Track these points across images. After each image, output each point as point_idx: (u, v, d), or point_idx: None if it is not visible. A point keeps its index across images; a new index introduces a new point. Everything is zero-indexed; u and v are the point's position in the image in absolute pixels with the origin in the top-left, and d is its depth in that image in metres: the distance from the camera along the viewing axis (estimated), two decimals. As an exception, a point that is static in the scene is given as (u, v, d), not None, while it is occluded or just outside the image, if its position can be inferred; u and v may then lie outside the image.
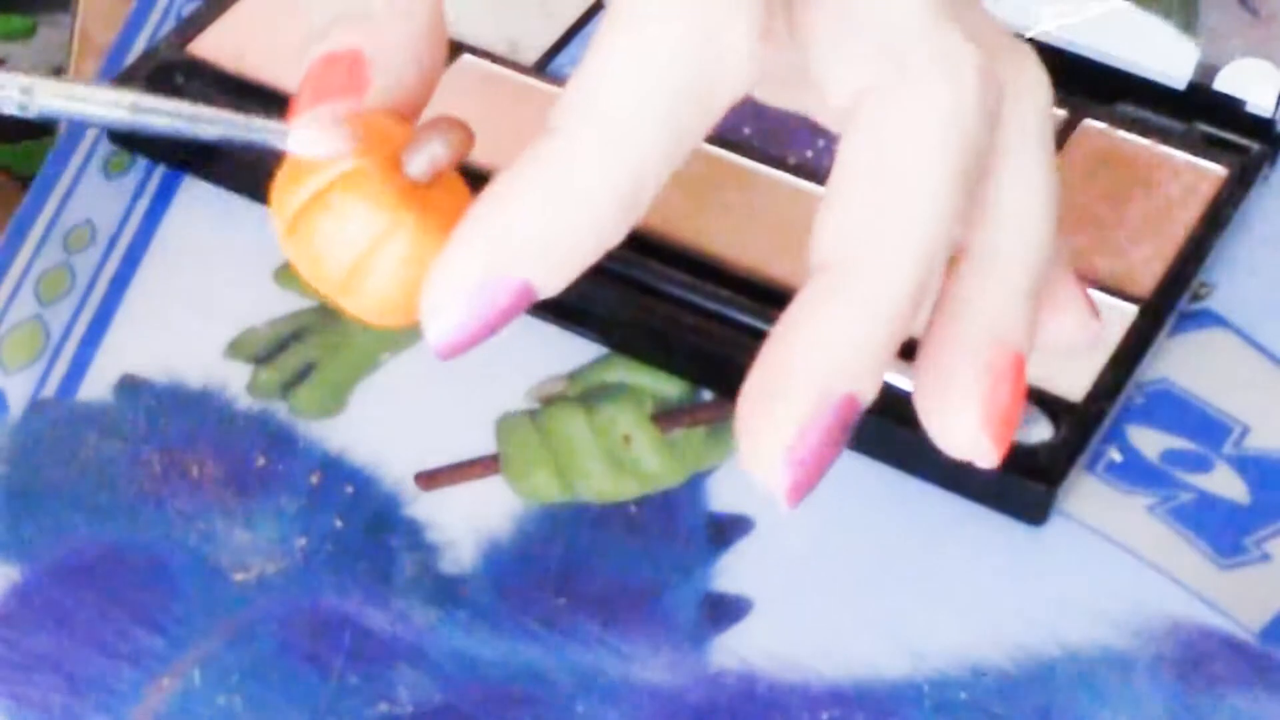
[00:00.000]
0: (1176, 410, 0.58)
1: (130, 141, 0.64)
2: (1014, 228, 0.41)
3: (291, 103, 0.41)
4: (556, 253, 0.37)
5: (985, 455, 0.40)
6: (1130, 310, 0.59)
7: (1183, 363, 0.59)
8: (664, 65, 0.37)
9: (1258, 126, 0.64)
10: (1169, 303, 0.59)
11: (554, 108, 0.38)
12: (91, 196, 0.63)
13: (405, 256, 0.39)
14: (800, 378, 0.38)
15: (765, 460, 0.39)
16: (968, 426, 0.40)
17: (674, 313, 0.58)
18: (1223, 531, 0.55)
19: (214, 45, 0.65)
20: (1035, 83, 0.42)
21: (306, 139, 0.41)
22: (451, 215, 0.39)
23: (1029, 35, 0.65)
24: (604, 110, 0.37)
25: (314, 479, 0.55)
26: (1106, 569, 0.54)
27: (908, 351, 0.57)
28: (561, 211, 0.37)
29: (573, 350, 0.59)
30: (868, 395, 0.38)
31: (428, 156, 0.40)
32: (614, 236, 0.38)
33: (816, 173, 0.62)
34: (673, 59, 0.37)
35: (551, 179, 0.37)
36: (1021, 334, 0.40)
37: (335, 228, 0.39)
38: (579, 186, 0.37)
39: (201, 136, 0.41)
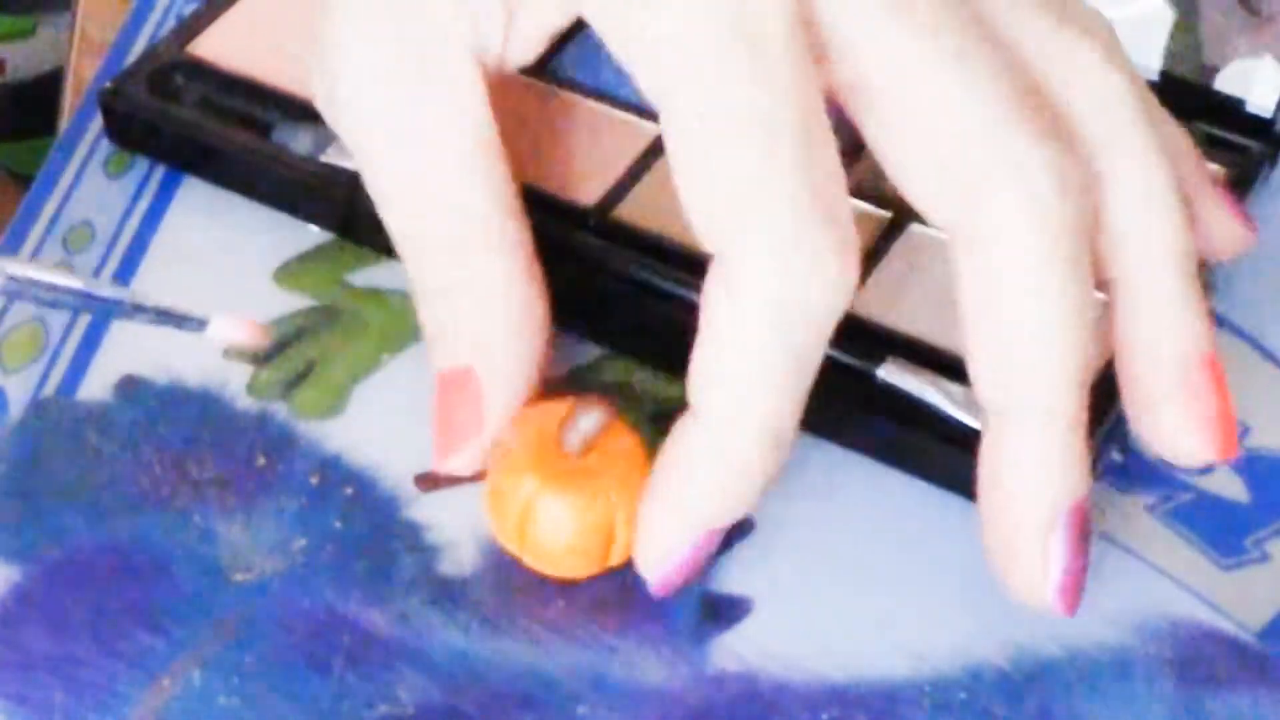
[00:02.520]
0: (1176, 410, 0.58)
1: (131, 142, 0.64)
2: (1145, 251, 0.44)
3: (436, 443, 0.50)
4: (730, 505, 0.46)
5: (1217, 456, 0.46)
6: (1130, 310, 0.59)
7: (1183, 363, 0.59)
8: (773, 325, 0.43)
9: (1258, 126, 0.64)
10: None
11: (689, 384, 0.45)
12: (91, 196, 0.63)
13: (627, 519, 0.48)
14: (1034, 525, 0.44)
15: (1039, 600, 0.46)
16: (1192, 445, 0.45)
17: (674, 313, 0.58)
18: (1223, 531, 0.55)
19: (214, 45, 0.65)
20: (1118, 82, 0.45)
21: (225, 330, 0.45)
22: (633, 470, 0.48)
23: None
24: (731, 381, 0.44)
25: (314, 479, 0.55)
26: (1106, 569, 0.54)
27: (914, 355, 0.57)
28: (725, 479, 0.45)
29: (573, 350, 0.59)
30: (1088, 494, 0.44)
31: (583, 432, 0.48)
32: (777, 469, 0.45)
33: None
34: (779, 316, 0.43)
35: (706, 457, 0.44)
36: (1203, 334, 0.45)
37: (555, 528, 0.49)
38: (734, 455, 0.44)
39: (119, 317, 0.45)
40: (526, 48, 0.51)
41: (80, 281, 0.43)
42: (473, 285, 0.51)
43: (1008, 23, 0.46)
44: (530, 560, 0.50)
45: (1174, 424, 0.44)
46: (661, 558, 0.46)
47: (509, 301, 0.51)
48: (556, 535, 0.48)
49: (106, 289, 0.44)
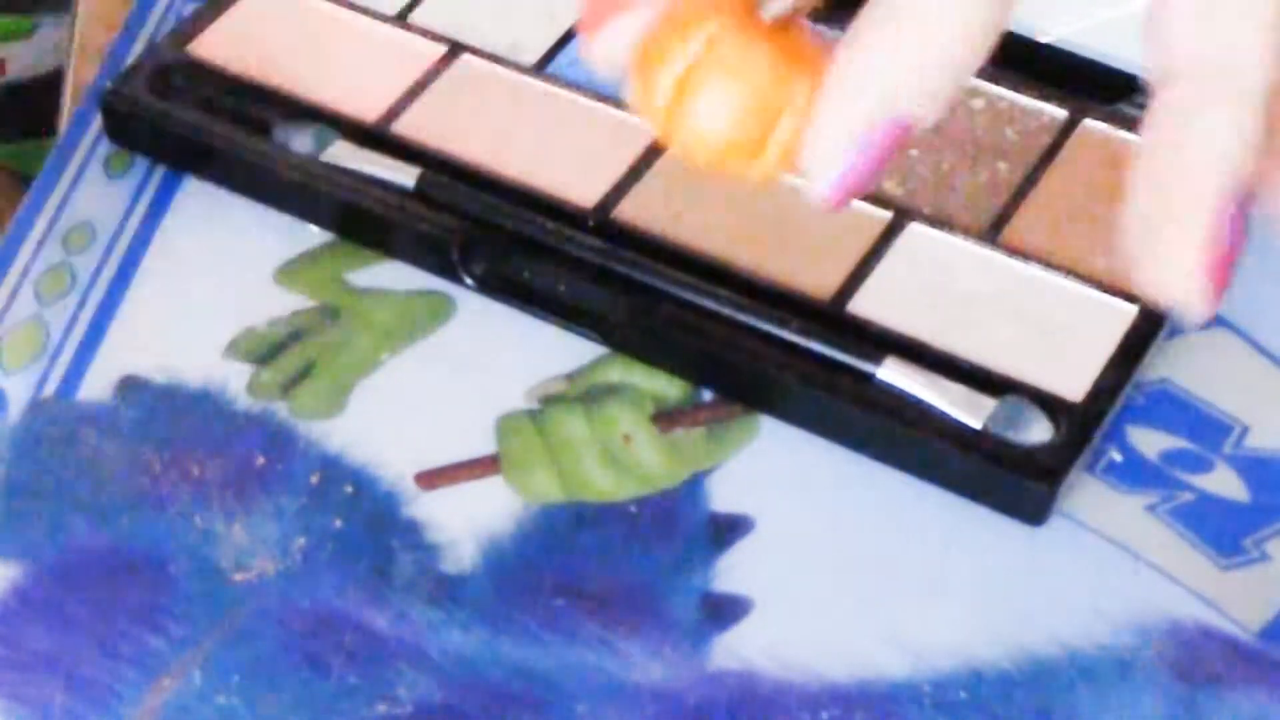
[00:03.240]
0: (1176, 410, 0.58)
1: (131, 142, 0.64)
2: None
3: (588, 20, 0.41)
4: (931, 83, 0.39)
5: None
6: (1130, 310, 0.59)
7: (1183, 363, 0.59)
8: None
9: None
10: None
11: None
12: (91, 196, 0.63)
13: (805, 107, 0.40)
14: (1199, 184, 0.39)
15: (1182, 280, 0.40)
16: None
17: (674, 313, 0.58)
18: (1222, 531, 0.55)
19: (214, 45, 0.65)
20: None
21: None
22: (819, 62, 0.40)
23: (1044, 41, 0.65)
24: None
25: (314, 479, 0.55)
26: (1106, 569, 0.54)
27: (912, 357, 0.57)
28: (939, 46, 0.38)
29: (573, 350, 0.59)
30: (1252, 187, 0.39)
31: (785, 2, 0.40)
32: (979, 58, 0.39)
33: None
34: None
35: (926, 15, 0.38)
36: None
37: (725, 101, 0.40)
38: (951, 19, 0.38)
39: None
40: None
41: None
42: None
43: None
44: (673, 131, 0.41)
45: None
46: (835, 153, 0.39)
47: None
48: (724, 97, 0.40)
49: None
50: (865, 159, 0.39)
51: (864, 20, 0.39)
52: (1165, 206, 0.39)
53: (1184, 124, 0.39)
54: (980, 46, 0.39)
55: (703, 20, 0.40)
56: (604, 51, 0.41)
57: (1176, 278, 0.40)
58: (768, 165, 0.40)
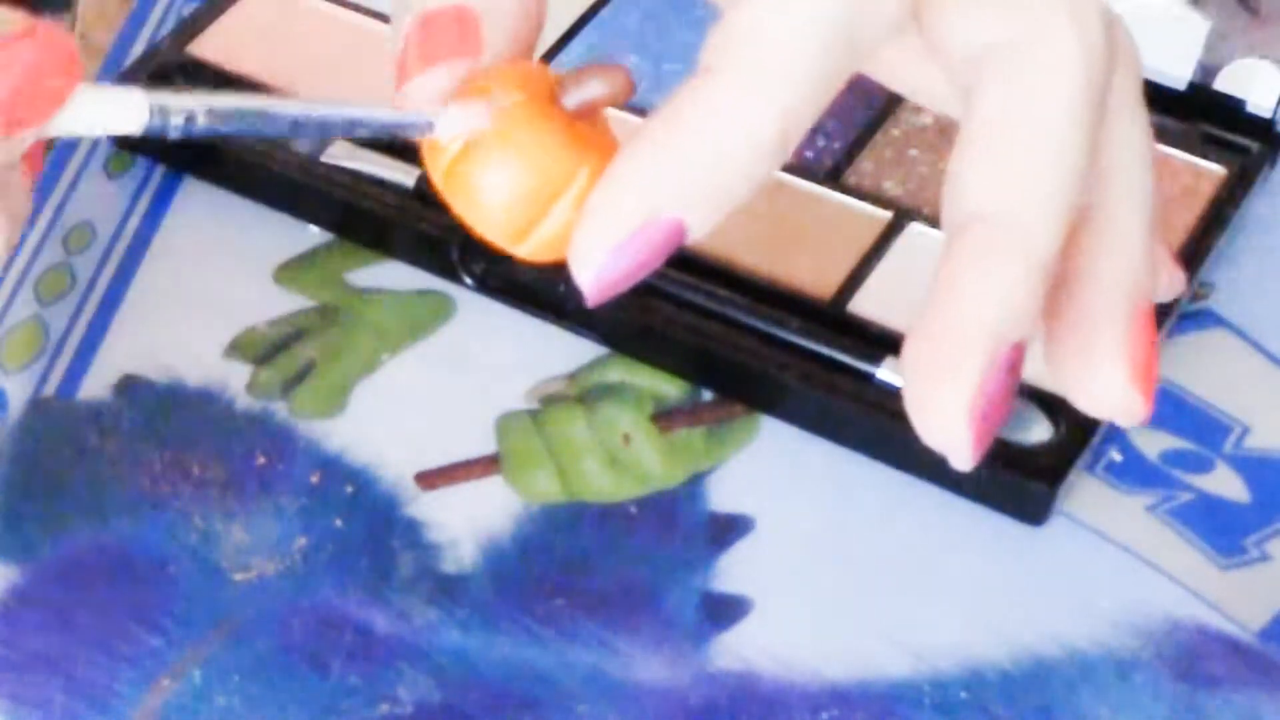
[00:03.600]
0: (1176, 410, 0.58)
1: (131, 142, 0.64)
2: (1128, 186, 0.42)
3: (400, 70, 0.40)
4: (711, 194, 0.38)
5: (1136, 409, 0.41)
6: (1130, 310, 0.59)
7: (1183, 363, 0.59)
8: (814, 5, 0.38)
9: (1258, 126, 0.64)
10: (1169, 303, 0.59)
11: (705, 47, 0.38)
12: (91, 196, 0.63)
13: (581, 196, 0.39)
14: (973, 335, 0.39)
15: (947, 424, 0.40)
16: (1119, 383, 0.41)
17: (674, 313, 0.58)
18: (1222, 531, 0.55)
19: (214, 45, 0.65)
20: (1130, 46, 0.43)
21: (454, 121, 0.40)
22: (607, 156, 0.38)
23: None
24: (757, 53, 0.38)
25: (314, 479, 0.55)
26: (1106, 569, 0.54)
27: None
28: (717, 152, 0.38)
29: (573, 350, 0.59)
30: (1028, 341, 0.40)
31: (589, 92, 0.39)
32: (764, 177, 0.38)
33: (817, 173, 0.62)
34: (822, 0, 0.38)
35: (706, 120, 0.38)
36: (1150, 288, 0.42)
37: (504, 172, 0.39)
38: (734, 128, 0.38)
39: (324, 134, 0.40)
40: None
41: (286, 106, 0.40)
42: None
43: None
44: (449, 190, 0.40)
45: (1109, 363, 0.42)
46: (596, 250, 0.38)
47: None
48: (502, 173, 0.39)
49: (320, 108, 0.40)
50: (625, 259, 0.38)
51: (650, 117, 0.38)
52: (936, 354, 0.40)
53: (966, 274, 0.40)
54: (765, 159, 0.38)
55: (503, 92, 0.39)
56: (411, 101, 0.40)
57: (941, 428, 0.40)
58: (535, 248, 0.40)
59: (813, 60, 0.38)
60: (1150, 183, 0.42)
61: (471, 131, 0.39)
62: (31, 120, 0.38)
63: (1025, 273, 0.39)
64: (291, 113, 0.40)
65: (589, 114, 0.39)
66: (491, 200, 0.39)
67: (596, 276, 0.38)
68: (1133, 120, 0.42)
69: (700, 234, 0.38)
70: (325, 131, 0.41)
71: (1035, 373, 0.57)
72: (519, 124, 0.39)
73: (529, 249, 0.39)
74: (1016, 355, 0.39)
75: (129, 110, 0.39)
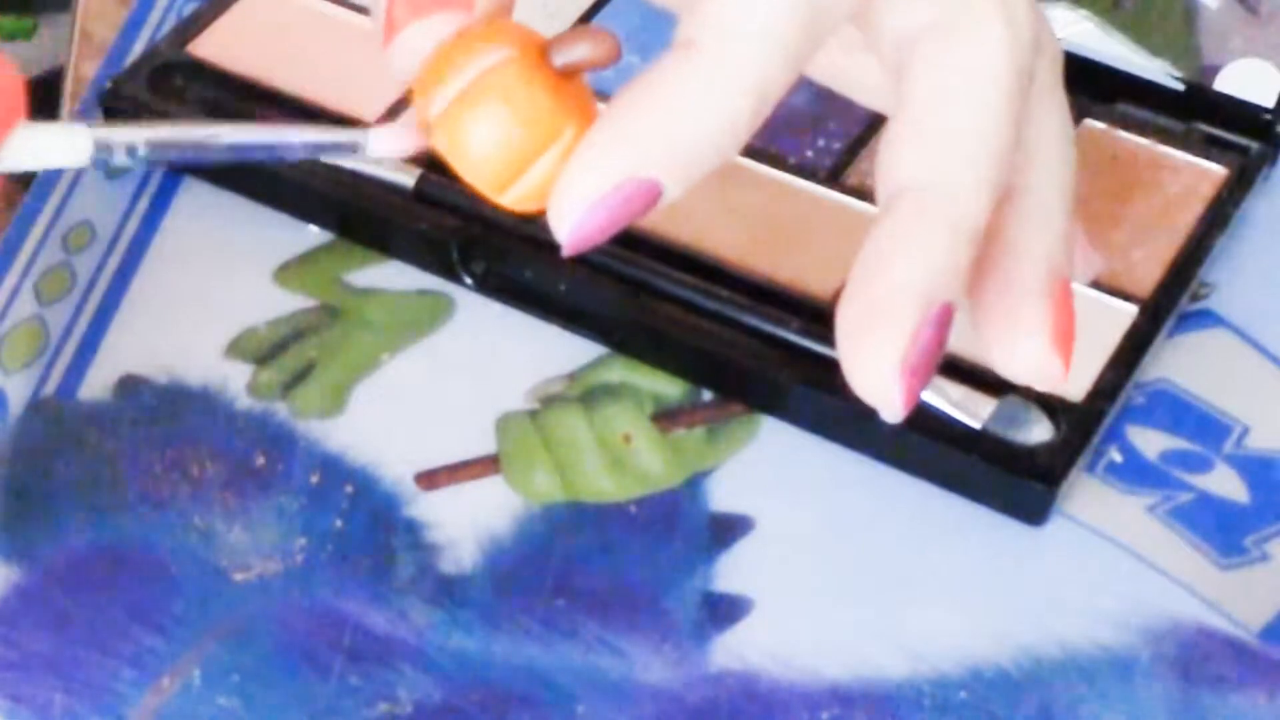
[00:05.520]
0: (1176, 410, 0.58)
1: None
2: (1050, 167, 0.44)
3: (387, 24, 0.42)
4: (687, 157, 0.40)
5: (1056, 373, 0.43)
6: (1130, 310, 0.59)
7: (1183, 363, 0.59)
8: None
9: (1258, 126, 0.64)
10: (1169, 303, 0.59)
11: (685, 23, 0.41)
12: (91, 196, 0.63)
13: (565, 153, 0.41)
14: (904, 294, 0.41)
15: (878, 377, 0.42)
16: (1040, 348, 0.43)
17: (674, 313, 0.58)
18: (1222, 531, 0.55)
19: (214, 45, 0.65)
20: (1052, 38, 0.45)
21: (383, 142, 0.42)
22: (590, 118, 0.41)
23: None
24: (735, 26, 0.40)
25: (314, 479, 0.55)
26: (1106, 569, 0.54)
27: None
28: (695, 118, 0.40)
29: (573, 350, 0.59)
30: (957, 306, 0.42)
31: (579, 53, 0.41)
32: (737, 145, 0.40)
33: (817, 173, 0.62)
34: None
35: (686, 87, 0.40)
36: (1068, 263, 0.44)
37: (494, 123, 0.41)
38: (711, 95, 0.40)
39: (262, 158, 0.42)
40: None
41: (221, 133, 0.41)
42: None
43: None
44: (439, 136, 0.41)
45: (1032, 331, 0.44)
46: (575, 204, 0.40)
47: None
48: (491, 124, 0.41)
49: (255, 133, 0.42)
50: (602, 216, 0.41)
51: (637, 80, 0.40)
52: (870, 311, 0.41)
53: (898, 240, 0.41)
54: (739, 130, 0.40)
55: (495, 45, 0.41)
56: (400, 52, 0.42)
57: (872, 380, 0.42)
58: (517, 197, 0.41)
59: (787, 38, 0.40)
60: (1071, 166, 0.44)
61: (467, 83, 0.40)
62: None
63: (953, 239, 0.41)
64: (226, 140, 0.42)
65: (574, 76, 0.41)
66: (479, 149, 0.41)
67: (575, 227, 0.40)
68: (1055, 106, 0.44)
69: (674, 197, 0.40)
70: (264, 155, 0.42)
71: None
72: (511, 79, 0.41)
73: (511, 198, 0.41)
74: (945, 314, 0.41)
75: (73, 145, 0.40)
